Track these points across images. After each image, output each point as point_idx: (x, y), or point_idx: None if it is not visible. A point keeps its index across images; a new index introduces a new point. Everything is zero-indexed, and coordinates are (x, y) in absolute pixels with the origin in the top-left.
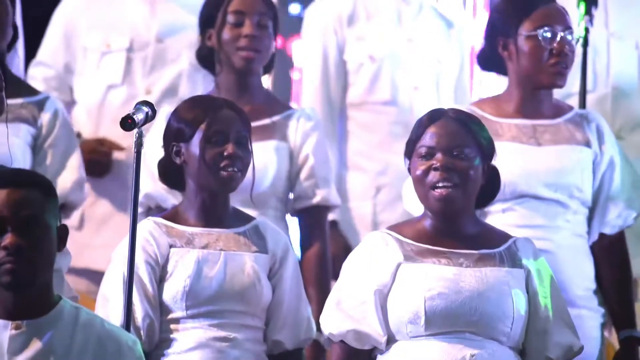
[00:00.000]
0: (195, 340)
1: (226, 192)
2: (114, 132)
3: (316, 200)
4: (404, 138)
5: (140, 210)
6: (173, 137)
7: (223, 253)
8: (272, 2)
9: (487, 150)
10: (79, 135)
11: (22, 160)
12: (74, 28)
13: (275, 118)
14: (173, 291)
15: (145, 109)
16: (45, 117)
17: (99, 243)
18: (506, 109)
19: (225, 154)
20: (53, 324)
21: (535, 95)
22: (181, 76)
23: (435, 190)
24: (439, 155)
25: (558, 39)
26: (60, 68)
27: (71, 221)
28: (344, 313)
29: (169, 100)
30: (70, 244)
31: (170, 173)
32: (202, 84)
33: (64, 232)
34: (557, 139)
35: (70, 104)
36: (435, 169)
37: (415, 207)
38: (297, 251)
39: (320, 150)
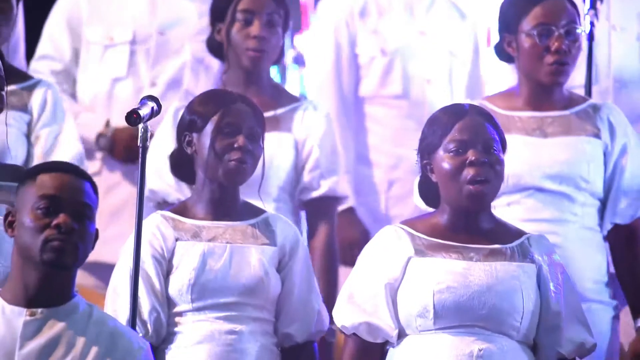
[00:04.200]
0: (201, 334)
1: (233, 184)
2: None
3: (321, 191)
4: (416, 132)
5: (150, 204)
6: (186, 127)
7: (229, 246)
8: None
9: (504, 146)
10: (108, 123)
11: (16, 148)
12: (77, 20)
13: (281, 110)
14: (179, 284)
15: (151, 103)
16: (35, 101)
17: (109, 236)
18: (516, 103)
19: (235, 145)
20: (68, 316)
21: (543, 88)
22: (184, 68)
23: (472, 185)
24: (472, 150)
25: (555, 36)
26: (67, 59)
27: None
28: (357, 306)
29: (173, 92)
30: None
31: (181, 165)
32: (205, 75)
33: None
34: (564, 130)
35: (73, 96)
36: (471, 164)
37: (425, 202)
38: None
39: (327, 141)
